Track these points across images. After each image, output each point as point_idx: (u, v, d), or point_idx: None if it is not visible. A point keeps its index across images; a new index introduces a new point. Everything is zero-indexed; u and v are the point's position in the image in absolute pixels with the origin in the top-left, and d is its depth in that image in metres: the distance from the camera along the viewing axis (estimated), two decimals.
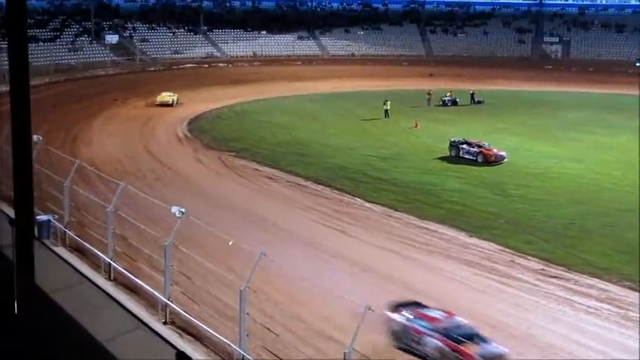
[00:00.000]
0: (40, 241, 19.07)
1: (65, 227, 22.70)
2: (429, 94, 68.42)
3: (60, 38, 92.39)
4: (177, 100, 64.01)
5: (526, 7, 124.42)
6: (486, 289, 24.20)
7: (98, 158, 41.15)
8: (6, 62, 10.78)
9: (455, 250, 27.86)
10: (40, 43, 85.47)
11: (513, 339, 20.11)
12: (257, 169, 40.72)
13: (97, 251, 21.32)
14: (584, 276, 25.25)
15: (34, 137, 21.64)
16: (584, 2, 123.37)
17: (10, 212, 17.38)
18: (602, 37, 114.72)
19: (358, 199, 34.84)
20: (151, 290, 19.30)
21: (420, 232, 30.10)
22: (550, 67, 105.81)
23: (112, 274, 20.66)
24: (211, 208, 31.26)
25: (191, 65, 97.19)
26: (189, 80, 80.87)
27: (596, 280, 24.97)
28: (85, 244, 21.96)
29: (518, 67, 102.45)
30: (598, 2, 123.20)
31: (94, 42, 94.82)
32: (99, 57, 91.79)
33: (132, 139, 48.47)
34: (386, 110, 59.67)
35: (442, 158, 44.65)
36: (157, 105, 62.10)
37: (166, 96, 63.68)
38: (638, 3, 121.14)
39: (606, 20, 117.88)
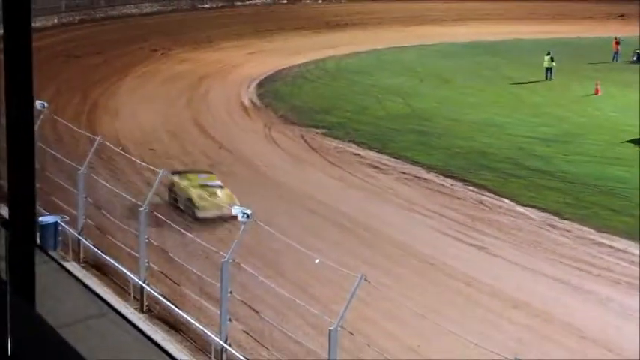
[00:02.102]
0: (43, 253, 19.49)
1: (79, 234, 23.28)
2: (617, 43, 67.34)
3: None
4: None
5: None
6: None
7: (128, 135, 41.93)
8: None
9: None
10: None
11: None
12: (357, 154, 40.85)
13: (124, 269, 21.77)
14: None
15: (37, 103, 22.33)
16: None
17: (4, 211, 17.95)
18: None
19: (506, 201, 34.59)
20: (201, 327, 19.61)
21: (598, 251, 29.67)
22: None
23: (144, 303, 21.05)
24: (289, 211, 31.55)
25: (263, 0, 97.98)
26: (261, 23, 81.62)
27: None
28: (108, 258, 22.47)
29: None
30: None
31: None
32: None
33: (176, 107, 49.24)
34: (548, 68, 59.08)
35: (635, 141, 43.88)
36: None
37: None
38: None
39: None
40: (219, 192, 30.11)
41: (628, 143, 43.77)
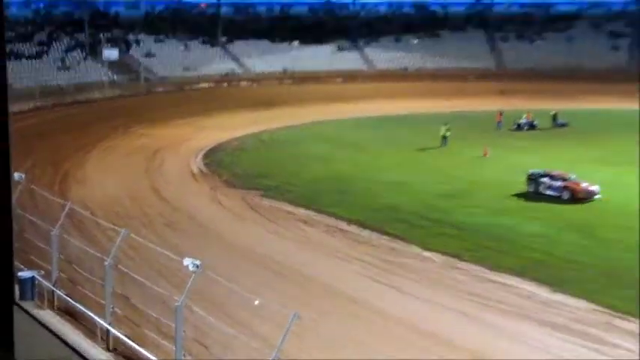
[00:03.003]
0: (20, 306, 19.16)
1: (53, 286, 22.89)
2: (500, 115, 68.50)
3: (47, 54, 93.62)
4: None
5: (621, 6, 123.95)
6: (577, 359, 23.87)
7: (94, 200, 41.59)
8: None
9: (536, 310, 27.55)
10: (23, 60, 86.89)
11: None
12: (289, 212, 40.87)
13: (92, 315, 21.42)
14: None
15: (15, 175, 21.97)
16: None
17: None
18: None
19: (414, 247, 34.71)
20: None
21: (491, 286, 29.85)
22: None
23: (110, 343, 20.72)
24: (233, 261, 31.43)
25: (207, 85, 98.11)
26: (205, 103, 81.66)
27: None
28: (78, 305, 22.09)
29: (612, 80, 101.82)
30: None
31: (89, 58, 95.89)
32: (95, 76, 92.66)
33: (136, 176, 48.99)
34: (444, 137, 59.80)
35: (518, 195, 44.47)
36: None
37: None
38: None
39: None
40: None
41: (512, 196, 44.31)
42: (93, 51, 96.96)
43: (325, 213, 40.30)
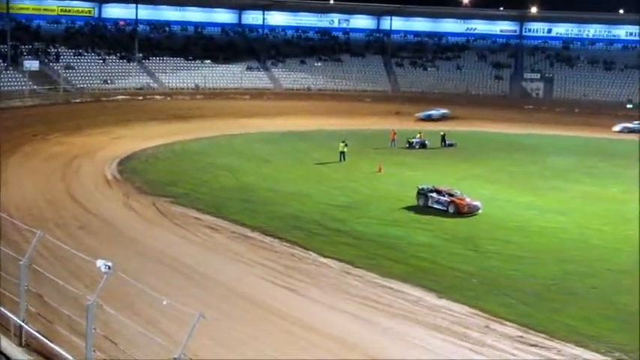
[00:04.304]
0: None
1: None
2: (394, 133, 69.32)
3: None
4: None
5: (504, 40, 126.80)
6: (458, 358, 24.19)
7: (12, 203, 40.62)
8: None
9: (422, 313, 27.76)
10: None
11: None
12: (197, 218, 40.51)
13: (6, 311, 20.89)
14: (569, 345, 25.37)
15: None
16: (569, 35, 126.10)
17: None
18: (588, 74, 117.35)
19: (312, 254, 34.72)
20: (69, 358, 18.94)
21: (382, 291, 29.97)
22: (531, 106, 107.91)
23: (23, 339, 20.24)
24: (143, 262, 31.04)
25: (123, 97, 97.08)
26: (121, 114, 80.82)
27: (581, 349, 25.10)
28: None
29: (494, 106, 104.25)
30: (584, 36, 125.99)
31: (10, 68, 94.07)
32: (16, 85, 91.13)
33: (53, 180, 48.02)
34: (342, 152, 60.16)
35: (409, 208, 44.90)
36: None
37: None
38: (628, 38, 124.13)
39: (593, 56, 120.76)
40: None
41: (403, 209, 44.76)
42: (14, 61, 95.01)
43: (230, 220, 40.05)
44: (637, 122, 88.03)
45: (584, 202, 48.42)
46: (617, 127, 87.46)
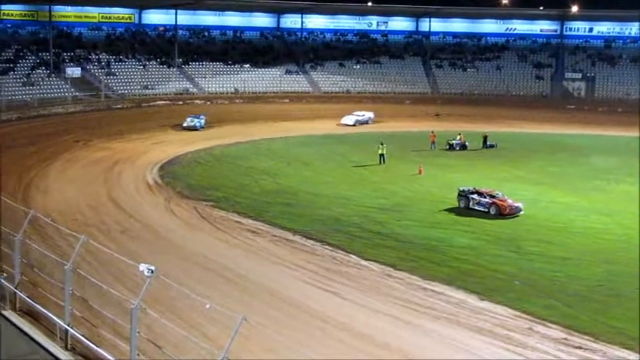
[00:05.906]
0: None
1: (15, 288, 22.55)
2: (433, 135, 68.95)
3: (13, 71, 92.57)
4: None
5: (544, 39, 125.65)
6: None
7: (55, 208, 41.13)
8: None
9: (464, 316, 27.73)
10: None
11: None
12: (238, 222, 40.69)
13: (51, 315, 21.13)
14: (614, 347, 25.16)
15: None
16: (611, 34, 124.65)
17: None
18: (631, 72, 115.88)
19: (353, 257, 34.78)
20: None
21: (424, 294, 29.99)
22: (572, 106, 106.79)
23: (68, 343, 20.46)
24: (185, 266, 31.28)
25: (163, 102, 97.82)
26: (162, 120, 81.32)
27: (627, 351, 24.89)
28: (38, 307, 21.79)
29: (535, 106, 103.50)
30: (626, 34, 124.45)
31: (53, 75, 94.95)
32: (58, 92, 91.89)
33: (95, 186, 48.45)
34: (381, 155, 60.05)
35: (450, 210, 44.75)
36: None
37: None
38: None
39: (636, 54, 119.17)
40: None
41: (444, 211, 44.60)
42: (57, 68, 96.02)
43: (271, 224, 40.19)
44: None
45: (628, 203, 47.81)
46: None
